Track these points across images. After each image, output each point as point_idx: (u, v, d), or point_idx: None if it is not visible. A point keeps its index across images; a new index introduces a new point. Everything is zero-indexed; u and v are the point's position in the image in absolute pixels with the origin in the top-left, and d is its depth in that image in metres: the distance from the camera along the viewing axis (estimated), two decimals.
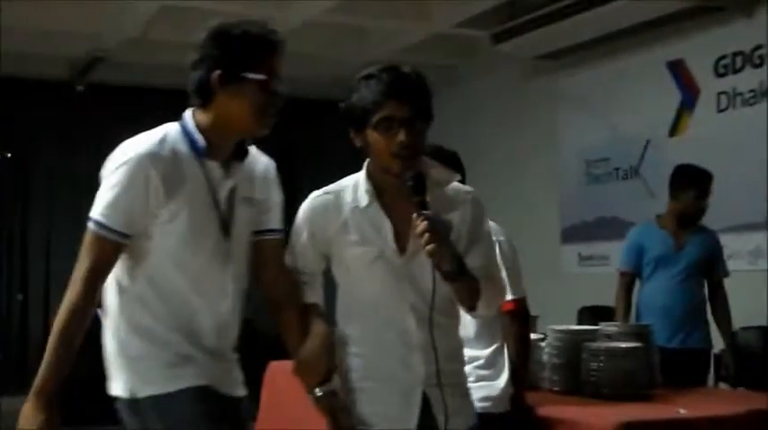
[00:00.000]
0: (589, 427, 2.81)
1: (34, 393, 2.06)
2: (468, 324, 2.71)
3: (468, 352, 2.63)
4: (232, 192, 2.21)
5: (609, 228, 6.86)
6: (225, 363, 2.24)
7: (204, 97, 2.17)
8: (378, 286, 2.26)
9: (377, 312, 2.27)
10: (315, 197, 2.34)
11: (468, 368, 2.69)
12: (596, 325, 3.66)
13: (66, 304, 2.09)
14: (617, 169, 6.92)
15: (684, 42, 6.49)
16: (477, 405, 2.52)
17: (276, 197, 2.33)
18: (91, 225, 2.13)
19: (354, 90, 2.24)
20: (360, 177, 2.31)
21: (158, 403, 2.13)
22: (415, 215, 2.14)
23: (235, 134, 2.21)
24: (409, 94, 2.21)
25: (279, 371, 3.61)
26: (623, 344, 3.35)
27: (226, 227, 2.20)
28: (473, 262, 2.24)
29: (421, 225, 2.11)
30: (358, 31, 7.22)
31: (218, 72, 2.13)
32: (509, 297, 2.89)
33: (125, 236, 2.12)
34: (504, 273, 2.62)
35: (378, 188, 2.28)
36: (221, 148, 2.20)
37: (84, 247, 2.12)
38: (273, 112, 2.18)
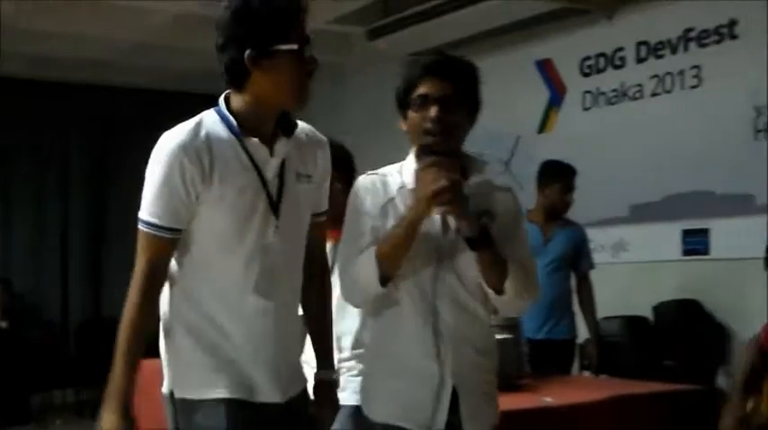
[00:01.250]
0: None
1: (107, 396, 2.02)
2: (354, 315, 2.65)
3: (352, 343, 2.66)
4: (282, 168, 2.14)
5: None
6: (273, 365, 2.12)
7: (240, 79, 2.08)
8: (417, 265, 2.19)
9: (411, 294, 2.20)
10: (362, 178, 2.31)
11: (353, 362, 2.69)
12: None
13: (126, 305, 2.06)
14: (498, 173, 7.10)
15: (552, 43, 6.71)
16: (356, 397, 2.47)
17: (328, 176, 2.26)
18: (140, 225, 2.08)
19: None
20: (406, 161, 2.29)
21: (188, 407, 2.09)
22: (422, 161, 2.11)
23: (272, 110, 2.12)
24: (445, 73, 2.20)
25: (152, 370, 3.54)
26: None
27: (274, 205, 2.12)
28: (507, 250, 2.19)
29: (429, 168, 2.08)
30: None
31: (249, 51, 2.02)
32: None
33: (174, 230, 2.06)
34: None
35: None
36: (262, 126, 2.11)
37: (138, 248, 2.08)
38: (308, 81, 2.10)
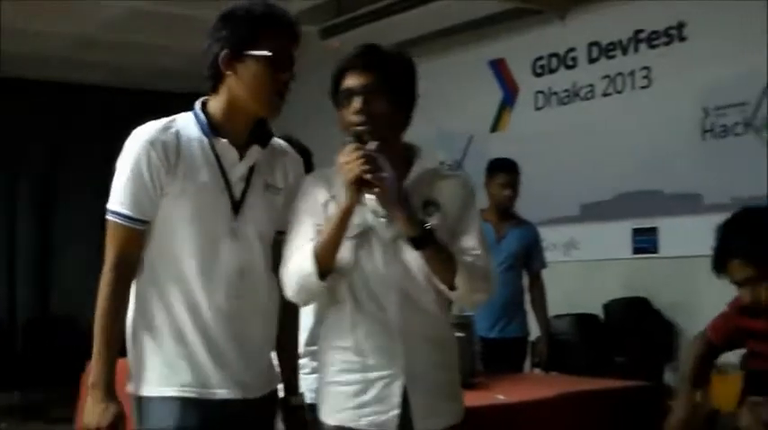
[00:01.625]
0: None
1: (90, 386, 2.07)
2: (308, 311, 2.59)
3: (306, 340, 2.62)
4: (250, 173, 2.18)
5: None
6: (233, 363, 2.13)
7: (214, 79, 2.16)
8: (364, 259, 2.15)
9: (361, 292, 2.15)
10: (308, 176, 2.30)
11: (306, 360, 2.68)
12: None
13: (99, 297, 2.10)
14: (442, 163, 7.12)
15: (505, 43, 6.76)
16: (311, 395, 2.43)
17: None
18: (109, 216, 2.14)
19: None
20: None
21: (146, 405, 2.12)
22: (348, 146, 2.07)
23: (244, 116, 2.17)
24: (367, 64, 2.17)
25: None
26: None
27: (236, 206, 2.16)
28: (459, 243, 2.16)
29: (349, 154, 2.05)
30: (185, 20, 7.09)
31: (224, 52, 2.11)
32: None
33: (140, 221, 2.11)
34: None
35: None
36: (235, 131, 2.17)
37: (107, 240, 2.13)
38: (279, 92, 2.14)
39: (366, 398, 2.16)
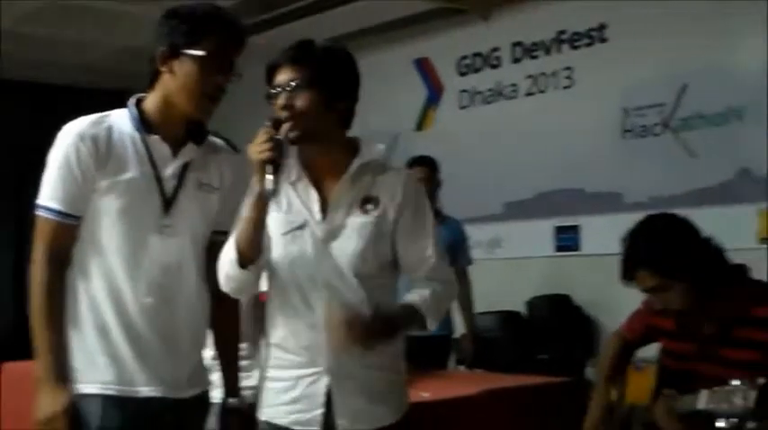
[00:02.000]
0: None
1: (38, 381, 2.05)
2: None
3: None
4: (183, 170, 2.17)
5: None
6: (158, 361, 2.11)
7: (151, 77, 2.16)
8: (295, 256, 2.14)
9: (290, 288, 2.15)
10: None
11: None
12: None
13: (33, 294, 2.07)
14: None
15: (430, 42, 6.80)
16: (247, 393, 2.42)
17: (238, 194, 2.21)
18: (39, 211, 2.12)
19: None
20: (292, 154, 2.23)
21: (75, 400, 2.09)
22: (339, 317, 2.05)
23: (178, 114, 2.16)
24: (293, 59, 2.16)
25: (16, 372, 3.43)
26: None
27: (167, 202, 2.14)
28: (417, 252, 2.17)
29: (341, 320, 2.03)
30: (105, 15, 6.95)
31: (162, 49, 2.11)
32: None
33: (71, 216, 2.10)
34: None
35: (304, 163, 2.20)
36: (169, 129, 2.16)
37: (36, 236, 2.11)
38: (212, 94, 2.13)
39: (293, 395, 2.16)
